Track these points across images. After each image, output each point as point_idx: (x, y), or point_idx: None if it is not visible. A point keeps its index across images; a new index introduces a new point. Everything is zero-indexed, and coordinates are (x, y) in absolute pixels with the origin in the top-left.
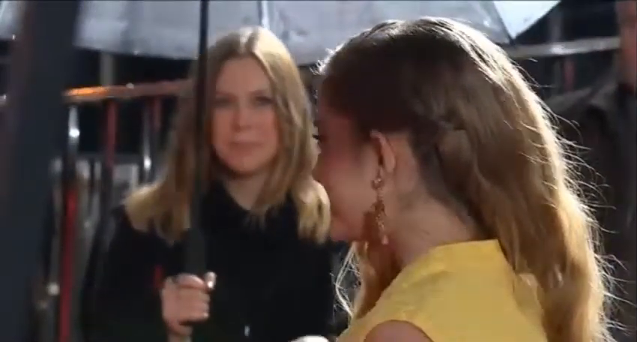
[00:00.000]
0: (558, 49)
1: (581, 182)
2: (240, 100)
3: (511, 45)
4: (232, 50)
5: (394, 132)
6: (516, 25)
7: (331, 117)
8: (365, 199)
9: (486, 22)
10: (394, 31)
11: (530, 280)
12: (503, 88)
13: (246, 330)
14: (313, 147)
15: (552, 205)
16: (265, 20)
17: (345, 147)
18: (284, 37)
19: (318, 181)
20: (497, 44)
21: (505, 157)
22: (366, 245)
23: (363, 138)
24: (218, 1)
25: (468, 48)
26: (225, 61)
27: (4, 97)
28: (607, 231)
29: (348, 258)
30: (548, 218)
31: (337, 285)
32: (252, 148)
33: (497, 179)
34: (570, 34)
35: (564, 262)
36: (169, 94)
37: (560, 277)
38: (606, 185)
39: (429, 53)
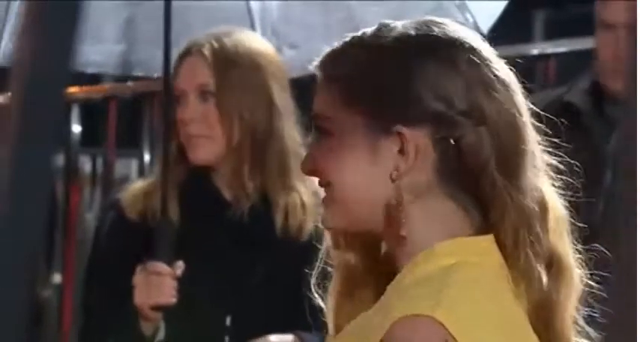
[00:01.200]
0: (541, 48)
1: (562, 177)
2: (188, 95)
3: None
4: (187, 49)
5: (417, 127)
6: (485, 23)
7: (343, 114)
8: (378, 191)
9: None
10: (404, 30)
11: (516, 275)
12: (512, 82)
13: (228, 320)
14: (291, 143)
15: (545, 198)
16: None
17: (360, 142)
18: (277, 51)
19: (314, 173)
20: None
21: (517, 151)
22: (342, 236)
23: (382, 133)
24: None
25: (477, 45)
26: (181, 60)
27: (7, 94)
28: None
29: (322, 252)
30: (544, 213)
31: (312, 280)
32: (200, 140)
33: (510, 175)
34: (552, 33)
35: (551, 261)
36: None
37: (545, 275)
38: (581, 179)
39: (447, 50)
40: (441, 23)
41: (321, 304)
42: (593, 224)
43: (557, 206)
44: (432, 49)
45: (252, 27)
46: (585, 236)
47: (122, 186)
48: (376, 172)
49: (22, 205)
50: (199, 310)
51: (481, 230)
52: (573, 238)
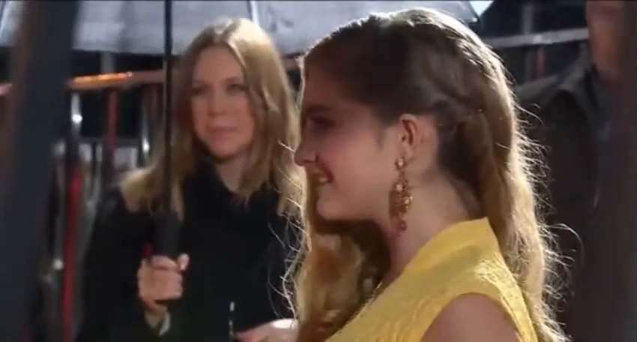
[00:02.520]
0: (530, 39)
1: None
2: (215, 88)
3: (478, 23)
4: (208, 40)
5: (422, 115)
6: (480, 5)
7: (346, 104)
8: (383, 179)
9: (457, 2)
10: (399, 21)
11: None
12: (498, 70)
13: (232, 306)
14: (294, 130)
15: (518, 180)
16: (254, 15)
17: (365, 131)
18: (272, 29)
19: (309, 165)
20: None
21: (509, 135)
22: (330, 223)
23: (387, 122)
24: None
25: (469, 33)
26: (201, 51)
27: (8, 84)
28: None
29: (303, 239)
30: (527, 199)
31: (290, 269)
32: (228, 132)
33: (504, 159)
34: (541, 26)
35: (522, 244)
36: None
37: (514, 254)
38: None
39: (445, 38)
40: (432, 13)
41: (289, 293)
42: (588, 211)
43: (527, 189)
44: (432, 37)
45: (249, 5)
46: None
47: (122, 174)
48: (382, 160)
49: (24, 193)
50: (203, 297)
51: (475, 214)
52: (541, 218)
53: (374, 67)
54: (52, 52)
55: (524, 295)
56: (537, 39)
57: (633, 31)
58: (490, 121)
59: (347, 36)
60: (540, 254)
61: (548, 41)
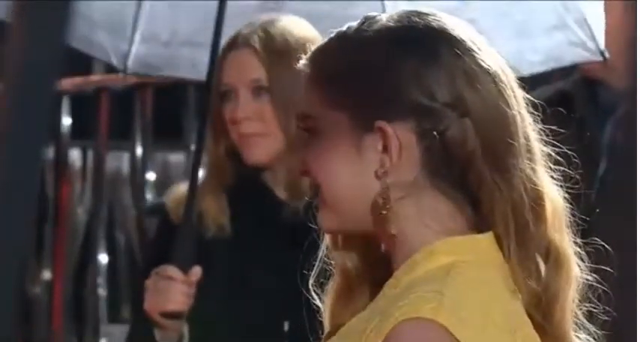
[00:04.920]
0: None
1: (561, 168)
2: (240, 91)
3: (604, 61)
4: (233, 42)
5: (399, 121)
6: (600, 37)
7: (326, 112)
8: (367, 190)
9: (584, 39)
10: (386, 23)
11: (514, 267)
12: (499, 73)
13: (285, 325)
14: None
15: (542, 190)
16: None
17: (344, 139)
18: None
19: (306, 174)
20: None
21: (503, 143)
22: (340, 237)
23: (365, 129)
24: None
25: (463, 36)
26: (227, 54)
27: None
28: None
29: (322, 252)
30: (539, 205)
31: (311, 280)
32: (256, 139)
33: (498, 167)
34: None
35: (548, 252)
36: (161, 83)
37: (543, 266)
38: (579, 170)
39: (429, 41)
40: (426, 14)
41: (319, 304)
42: (588, 212)
43: (555, 198)
44: (413, 41)
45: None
46: (581, 228)
47: (113, 179)
48: (362, 170)
49: (11, 199)
50: (255, 316)
51: (477, 226)
52: (572, 231)
53: (350, 72)
54: (43, 53)
55: (545, 310)
56: None
57: (633, 31)
58: (477, 128)
59: (333, 41)
60: (571, 264)
61: None
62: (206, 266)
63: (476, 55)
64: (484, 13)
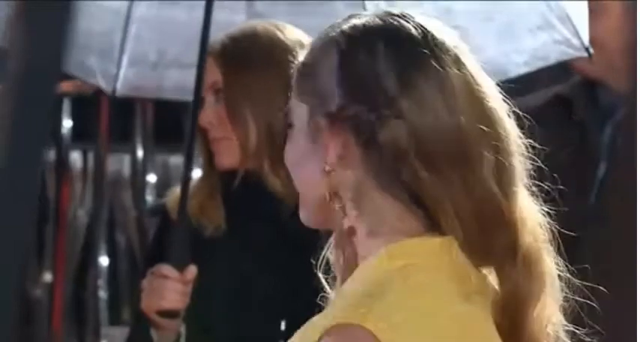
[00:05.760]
0: None
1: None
2: (205, 96)
3: (589, 57)
4: (210, 46)
5: (338, 120)
6: (584, 33)
7: (294, 104)
8: (319, 186)
9: (568, 37)
10: (353, 21)
11: (491, 273)
12: (452, 82)
13: (282, 324)
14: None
15: (501, 203)
16: None
17: (305, 133)
18: None
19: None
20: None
21: (446, 150)
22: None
23: (315, 125)
24: None
25: (421, 39)
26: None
27: None
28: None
29: (326, 248)
30: (496, 215)
31: (319, 271)
32: (223, 143)
33: (435, 170)
34: None
35: (515, 257)
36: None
37: (512, 271)
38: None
39: (375, 42)
40: (397, 15)
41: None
42: (584, 214)
43: (531, 215)
44: (365, 40)
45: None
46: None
47: (114, 181)
48: (314, 165)
49: (11, 201)
50: (251, 315)
51: (432, 229)
52: (555, 246)
53: (310, 67)
54: (43, 55)
55: (513, 315)
56: None
57: (633, 31)
58: (409, 130)
59: (316, 37)
60: (544, 269)
61: None
62: (203, 265)
63: (427, 60)
64: (468, 18)
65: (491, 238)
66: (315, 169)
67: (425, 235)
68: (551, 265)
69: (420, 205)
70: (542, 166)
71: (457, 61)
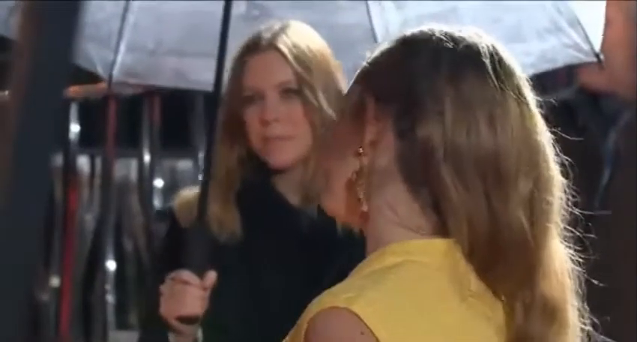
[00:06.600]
0: None
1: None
2: (267, 94)
3: (599, 62)
4: (255, 45)
5: (385, 103)
6: (596, 40)
7: (350, 89)
8: (349, 167)
9: (577, 41)
10: (424, 27)
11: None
12: (505, 104)
13: None
14: None
15: (527, 234)
16: None
17: (349, 114)
18: None
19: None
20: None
21: (478, 165)
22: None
23: (364, 104)
24: None
25: (488, 55)
26: (249, 57)
27: (6, 92)
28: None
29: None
30: (517, 243)
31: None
32: (284, 141)
33: (462, 178)
34: None
35: (533, 298)
36: (168, 90)
37: (526, 310)
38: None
39: (441, 45)
40: (472, 30)
41: None
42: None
43: (560, 258)
44: (427, 40)
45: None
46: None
47: (121, 186)
48: (349, 146)
49: (20, 206)
50: (268, 321)
51: (440, 231)
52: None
53: (372, 61)
54: (51, 60)
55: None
56: None
57: (633, 31)
58: (445, 132)
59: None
60: (567, 331)
61: None
62: (219, 272)
63: (482, 79)
64: (475, 20)
65: (506, 263)
66: (349, 151)
67: (431, 237)
68: (573, 315)
69: (435, 210)
70: (578, 214)
71: (516, 87)
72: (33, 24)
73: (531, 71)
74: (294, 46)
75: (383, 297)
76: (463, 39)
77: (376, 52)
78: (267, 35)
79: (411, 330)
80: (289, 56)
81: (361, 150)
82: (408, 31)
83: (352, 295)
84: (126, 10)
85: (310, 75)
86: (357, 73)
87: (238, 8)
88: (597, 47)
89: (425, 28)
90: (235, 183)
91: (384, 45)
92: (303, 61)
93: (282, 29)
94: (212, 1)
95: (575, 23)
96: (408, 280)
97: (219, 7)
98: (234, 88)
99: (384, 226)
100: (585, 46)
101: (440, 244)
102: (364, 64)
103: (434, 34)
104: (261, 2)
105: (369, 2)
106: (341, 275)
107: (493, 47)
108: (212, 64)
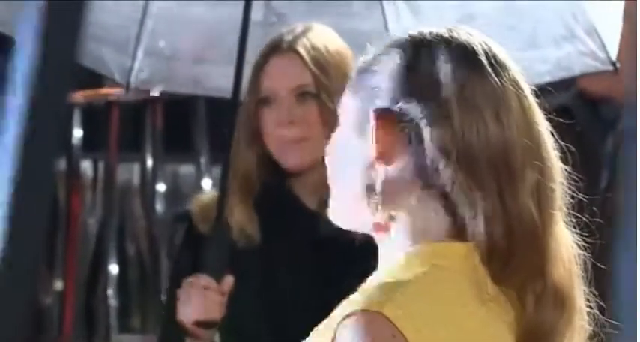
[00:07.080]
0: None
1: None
2: (284, 97)
3: (615, 71)
4: (275, 47)
5: (388, 113)
6: (612, 48)
7: (348, 98)
8: (359, 180)
9: (593, 49)
10: (420, 30)
11: (508, 293)
12: (507, 97)
13: None
14: None
15: (536, 224)
16: None
17: (353, 126)
18: None
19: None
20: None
21: (489, 160)
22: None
23: (367, 116)
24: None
25: (483, 53)
26: (268, 59)
27: (9, 97)
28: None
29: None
30: (527, 235)
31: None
32: (300, 144)
33: (474, 177)
34: None
35: (544, 286)
36: (170, 95)
37: (537, 300)
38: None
39: (437, 46)
40: (463, 30)
41: None
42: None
43: (567, 244)
44: (424, 43)
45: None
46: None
47: (124, 190)
48: (358, 158)
49: (24, 210)
50: (287, 324)
51: (455, 235)
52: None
53: (367, 65)
54: (54, 65)
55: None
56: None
57: (633, 31)
58: (455, 134)
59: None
60: (575, 316)
61: None
62: (236, 276)
63: (487, 77)
64: (490, 28)
65: (516, 257)
66: (358, 163)
67: (450, 241)
68: (581, 300)
69: (450, 212)
70: (582, 198)
71: (514, 81)
72: (36, 28)
73: (547, 78)
74: (313, 48)
75: (411, 301)
76: (456, 39)
77: (369, 58)
78: (288, 38)
79: (438, 333)
80: (307, 59)
81: (371, 161)
82: (396, 37)
83: (384, 299)
84: (144, 15)
85: (328, 78)
86: (351, 82)
87: (256, 15)
88: (614, 56)
89: (413, 32)
90: (255, 186)
91: (377, 51)
92: (322, 64)
93: (304, 32)
94: (229, 8)
95: (592, 31)
96: (433, 284)
97: (236, 14)
98: (253, 89)
99: (403, 233)
100: (601, 55)
101: (459, 247)
102: (357, 72)
103: (425, 38)
104: (279, 9)
105: (385, 7)
106: (359, 279)
107: (485, 44)
108: (229, 70)
